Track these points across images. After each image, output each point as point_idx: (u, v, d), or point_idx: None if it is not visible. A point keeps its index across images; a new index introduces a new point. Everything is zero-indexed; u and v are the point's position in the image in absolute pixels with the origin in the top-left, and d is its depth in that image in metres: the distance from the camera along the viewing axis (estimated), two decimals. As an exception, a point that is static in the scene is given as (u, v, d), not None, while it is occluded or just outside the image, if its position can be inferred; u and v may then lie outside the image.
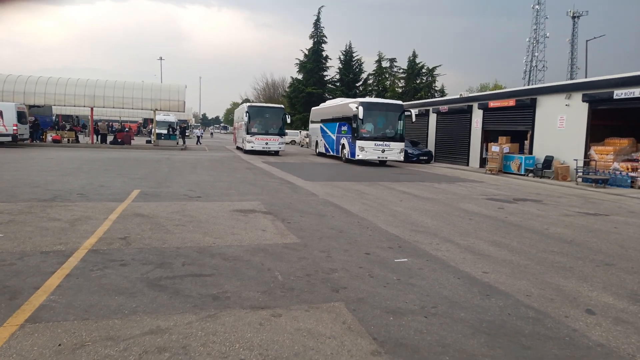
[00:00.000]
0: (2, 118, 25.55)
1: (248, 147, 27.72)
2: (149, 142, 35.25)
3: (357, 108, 22.12)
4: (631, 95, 16.16)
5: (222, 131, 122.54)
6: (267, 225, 7.51)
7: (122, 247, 5.79)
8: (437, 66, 51.80)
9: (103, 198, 9.56)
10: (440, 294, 4.59)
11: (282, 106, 31.35)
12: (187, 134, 48.07)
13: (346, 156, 24.12)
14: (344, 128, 24.54)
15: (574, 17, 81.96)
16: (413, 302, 4.32)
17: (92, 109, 31.64)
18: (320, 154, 30.09)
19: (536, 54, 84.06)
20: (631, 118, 18.77)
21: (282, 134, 28.65)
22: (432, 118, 29.83)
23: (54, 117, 44.29)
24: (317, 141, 30.82)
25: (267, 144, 27.78)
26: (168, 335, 3.43)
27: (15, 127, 25.89)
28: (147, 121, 60.28)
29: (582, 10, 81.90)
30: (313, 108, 34.13)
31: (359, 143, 22.41)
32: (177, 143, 34.17)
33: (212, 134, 78.05)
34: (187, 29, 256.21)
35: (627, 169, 16.48)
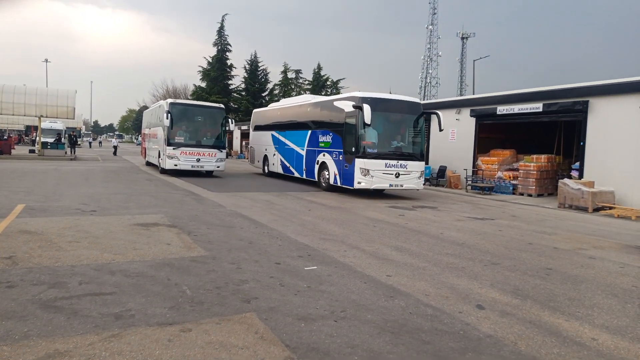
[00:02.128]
0: None
1: (169, 164, 19.01)
2: (32, 151, 32.02)
3: (356, 108, 13.94)
4: (511, 111, 18.14)
5: (119, 140, 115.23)
6: (172, 239, 7.24)
7: (7, 268, 5.23)
8: (341, 79, 53.72)
9: (-20, 214, 8.52)
10: (349, 298, 4.79)
11: (222, 105, 21.26)
12: (78, 143, 44.47)
13: (329, 182, 15.76)
14: (325, 139, 16.25)
15: (463, 38, 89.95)
16: (323, 308, 4.46)
17: (-37, 114, 28.05)
18: (271, 174, 21.49)
19: (430, 71, 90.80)
20: (512, 131, 21.09)
21: (220, 146, 20.05)
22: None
23: None
24: (265, 156, 22.08)
25: (198, 160, 19.23)
26: (68, 358, 3.18)
27: None
28: (31, 128, 54.84)
29: (470, 32, 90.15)
30: (256, 110, 25.36)
31: (360, 163, 13.96)
32: (66, 153, 31.45)
33: (100, 142, 72.51)
34: (78, 30, 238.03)
35: (510, 177, 18.39)
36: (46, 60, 67.42)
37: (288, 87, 53.96)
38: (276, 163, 20.60)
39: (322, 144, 16.48)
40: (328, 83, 52.42)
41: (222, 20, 51.02)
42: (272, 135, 21.05)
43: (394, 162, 14.32)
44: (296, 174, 18.59)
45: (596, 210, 13.72)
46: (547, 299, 5.13)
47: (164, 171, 19.76)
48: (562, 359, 3.60)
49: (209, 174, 20.37)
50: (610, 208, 13.54)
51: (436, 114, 15.24)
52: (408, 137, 15.06)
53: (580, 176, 15.62)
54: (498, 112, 18.70)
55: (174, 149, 18.92)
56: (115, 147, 40.17)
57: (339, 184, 15.15)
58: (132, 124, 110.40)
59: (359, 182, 14.08)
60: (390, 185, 14.38)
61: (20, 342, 3.39)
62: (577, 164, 16.28)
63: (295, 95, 51.49)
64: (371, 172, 14.00)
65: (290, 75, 54.57)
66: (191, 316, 4.09)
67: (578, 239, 8.99)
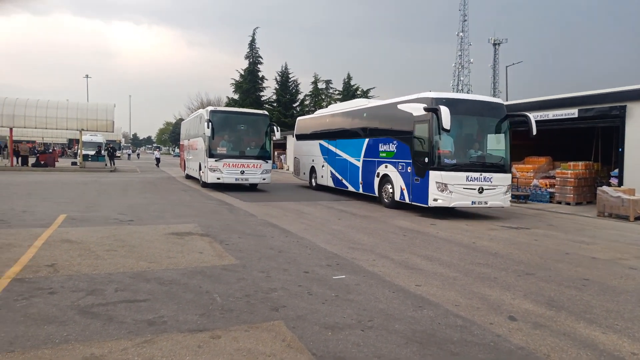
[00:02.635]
0: None
1: (212, 178, 17.29)
2: (74, 164, 33.40)
3: (429, 111, 11.85)
4: (546, 117, 17.67)
5: (160, 152, 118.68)
6: (205, 248, 7.41)
7: (49, 275, 5.49)
8: (372, 88, 53.71)
9: (27, 224, 8.97)
10: (377, 308, 4.77)
11: (266, 112, 19.44)
12: (117, 155, 46.08)
13: (394, 197, 13.55)
14: (387, 147, 14.04)
15: (494, 44, 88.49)
16: (350, 317, 4.46)
17: (11, 129, 29.58)
18: (319, 187, 19.51)
19: (462, 78, 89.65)
20: (547, 138, 20.49)
21: (266, 156, 18.12)
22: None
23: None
24: (312, 167, 20.12)
25: (242, 172, 17.41)
26: (102, 363, 3.32)
27: None
28: (73, 142, 57.25)
29: (502, 38, 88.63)
30: (301, 118, 23.25)
31: (436, 176, 11.70)
32: (106, 165, 32.64)
33: (138, 154, 75.39)
34: (116, 46, 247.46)
35: (546, 185, 17.87)
36: (87, 76, 70.28)
37: (318, 97, 54.34)
38: (325, 175, 18.63)
39: (384, 154, 14.26)
40: (358, 92, 52.47)
41: (254, 34, 52.08)
42: (320, 144, 19.08)
43: (476, 174, 11.88)
44: (350, 188, 16.61)
45: (637, 218, 13.14)
46: (583, 310, 4.97)
47: (205, 185, 18.32)
48: (598, 373, 3.48)
49: (252, 187, 18.83)
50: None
51: (526, 116, 12.86)
52: (490, 145, 12.75)
53: (620, 183, 15.01)
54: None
55: (216, 160, 17.12)
56: (157, 159, 41.18)
57: (406, 200, 12.87)
58: (169, 136, 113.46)
59: (435, 199, 11.75)
60: (473, 202, 11.89)
61: (60, 346, 3.56)
62: (616, 171, 15.66)
63: (326, 105, 51.80)
64: (450, 187, 11.65)
65: (321, 85, 54.97)
66: (221, 323, 4.18)
67: (618, 249, 8.64)
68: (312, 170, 20.14)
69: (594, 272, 6.74)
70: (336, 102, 53.25)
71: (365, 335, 4.03)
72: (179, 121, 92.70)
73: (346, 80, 53.51)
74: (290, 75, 54.55)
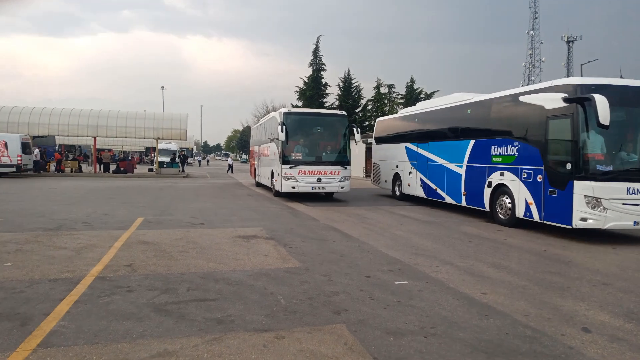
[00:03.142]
0: (6, 149, 25.92)
1: (286, 187, 15.95)
2: (151, 170, 35.57)
3: (572, 102, 9.38)
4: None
5: (224, 158, 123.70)
6: (270, 251, 7.63)
7: (127, 274, 5.92)
8: (435, 91, 52.44)
9: (108, 226, 9.71)
10: (440, 315, 4.70)
11: (344, 112, 17.47)
12: (189, 162, 48.45)
13: (515, 214, 10.91)
14: (504, 151, 11.46)
15: (568, 42, 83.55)
16: (413, 323, 4.43)
17: (95, 138, 32.09)
18: (405, 197, 17.09)
19: (532, 77, 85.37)
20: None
21: (344, 161, 16.45)
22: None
23: (56, 147, 44.81)
24: (396, 174, 17.72)
25: (319, 180, 15.91)
26: (175, 357, 3.55)
27: (19, 158, 26.23)
28: (149, 149, 61.01)
29: (576, 35, 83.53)
30: (381, 119, 20.60)
31: (583, 187, 9.08)
32: (179, 171, 34.45)
33: (208, 161, 79.60)
34: (188, 58, 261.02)
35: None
36: (162, 88, 74.62)
37: (381, 102, 53.97)
38: (414, 183, 15.98)
39: (499, 159, 11.58)
40: (422, 95, 51.56)
41: (317, 42, 52.75)
42: (407, 148, 16.53)
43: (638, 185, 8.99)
44: (448, 200, 13.90)
45: None
46: (670, 325, 4.59)
47: (278, 194, 17.00)
48: (684, 393, 3.21)
49: (328, 196, 17.67)
50: None
51: None
52: None
53: None
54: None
55: (290, 167, 15.75)
56: (230, 166, 43.03)
57: (535, 218, 10.19)
58: (237, 143, 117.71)
59: (583, 219, 8.99)
60: (636, 223, 9.07)
61: (137, 341, 3.84)
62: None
63: (388, 110, 51.43)
64: (604, 203, 8.86)
65: (383, 90, 54.54)
66: (285, 324, 4.31)
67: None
68: (396, 177, 17.73)
69: (684, 284, 6.18)
70: (399, 107, 52.75)
71: (428, 342, 3.99)
72: (247, 129, 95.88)
73: (409, 84, 52.75)
74: (352, 81, 54.68)
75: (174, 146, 48.81)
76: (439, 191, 14.49)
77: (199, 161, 69.57)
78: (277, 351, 3.72)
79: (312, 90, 51.90)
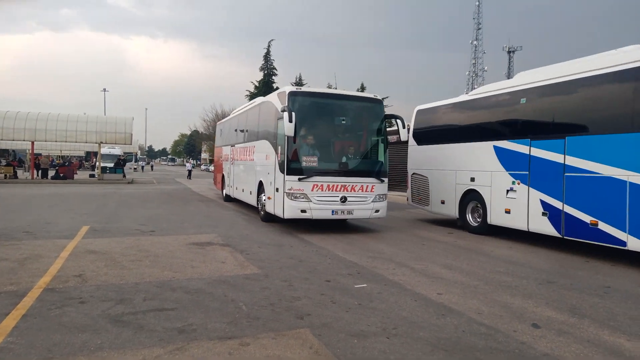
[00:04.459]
0: None
1: (292, 209, 10.13)
2: (92, 176, 34.00)
3: None
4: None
5: (170, 163, 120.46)
6: (226, 257, 7.53)
7: (78, 285, 5.65)
8: (385, 97, 53.82)
9: (52, 235, 9.20)
10: (400, 316, 4.83)
11: (378, 96, 11.24)
12: (135, 167, 46.74)
13: None
14: None
15: (509, 52, 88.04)
16: (375, 325, 4.53)
17: (32, 143, 30.30)
18: (491, 229, 10.63)
19: (475, 86, 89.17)
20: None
21: (380, 171, 10.74)
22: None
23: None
24: (470, 192, 11.21)
25: (344, 200, 10.24)
26: (138, 369, 3.43)
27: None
28: (90, 154, 58.25)
29: (516, 45, 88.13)
30: (423, 108, 13.67)
31: None
32: (124, 176, 33.15)
33: (152, 166, 76.62)
34: (132, 60, 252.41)
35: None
36: (104, 90, 71.48)
37: (332, 107, 54.63)
38: (521, 209, 9.56)
39: None
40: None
41: (269, 46, 52.74)
42: (499, 149, 10.17)
43: None
44: (629, 240, 7.44)
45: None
46: (607, 318, 4.96)
47: (271, 218, 11.44)
48: (625, 380, 3.49)
49: (339, 223, 11.81)
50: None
51: None
52: None
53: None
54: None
55: (300, 180, 9.91)
56: (189, 171, 41.82)
57: None
58: (184, 147, 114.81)
59: None
60: None
61: (95, 354, 3.68)
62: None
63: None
64: None
65: (334, 95, 55.27)
66: (249, 331, 4.28)
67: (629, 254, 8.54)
68: (471, 196, 11.13)
69: (616, 280, 6.70)
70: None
71: (390, 342, 4.09)
72: (194, 133, 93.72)
73: (360, 90, 53.75)
74: (304, 86, 55.00)
75: (117, 151, 46.89)
76: (606, 228, 7.83)
77: (142, 166, 66.61)
78: (243, 357, 3.69)
79: (264, 95, 51.68)
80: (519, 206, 9.64)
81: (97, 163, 34.17)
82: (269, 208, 11.33)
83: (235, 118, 17.19)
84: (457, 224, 11.88)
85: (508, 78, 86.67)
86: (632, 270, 7.34)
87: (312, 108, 10.52)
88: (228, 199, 17.58)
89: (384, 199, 10.64)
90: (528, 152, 9.49)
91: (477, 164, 10.92)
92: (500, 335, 4.35)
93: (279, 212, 10.51)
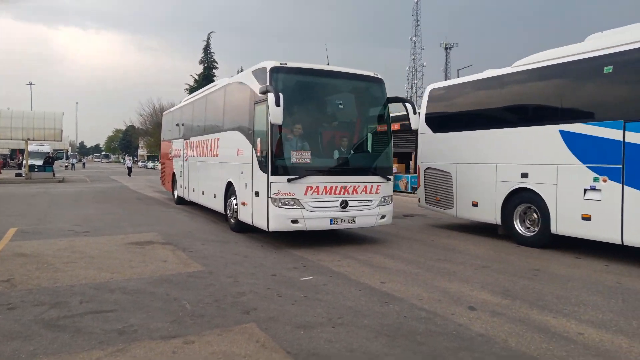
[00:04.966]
0: None
1: (279, 220, 7.81)
2: (19, 175, 31.76)
3: None
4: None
5: (104, 160, 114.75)
6: (168, 256, 7.33)
7: (6, 290, 5.29)
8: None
9: (-27, 239, 8.53)
10: (345, 306, 4.93)
11: (378, 75, 8.88)
12: (66, 166, 44.15)
13: None
14: None
15: (446, 49, 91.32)
16: (321, 316, 4.59)
17: (-52, 140, 27.83)
18: (555, 239, 8.15)
19: (415, 81, 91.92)
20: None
21: (386, 169, 8.73)
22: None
23: None
24: (519, 192, 8.59)
25: (344, 205, 8.06)
26: (75, 374, 3.28)
27: None
28: (16, 152, 54.34)
29: (453, 42, 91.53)
30: (443, 85, 11.43)
31: None
32: (54, 175, 31.24)
33: (84, 164, 72.03)
34: (61, 51, 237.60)
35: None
36: (30, 83, 66.79)
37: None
38: (604, 215, 7.23)
39: None
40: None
41: (208, 39, 51.45)
42: (567, 134, 7.79)
43: None
44: None
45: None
46: (536, 298, 5.32)
47: (243, 228, 9.30)
48: (551, 353, 3.77)
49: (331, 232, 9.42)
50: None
51: None
52: None
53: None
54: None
55: (290, 181, 7.76)
56: (129, 168, 39.35)
57: None
58: (119, 143, 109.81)
59: None
60: None
61: (27, 360, 3.48)
62: None
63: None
64: None
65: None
66: (193, 329, 4.20)
67: (565, 241, 9.21)
68: (520, 198, 8.63)
69: (544, 263, 7.20)
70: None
71: (336, 331, 4.17)
72: (130, 128, 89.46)
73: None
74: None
75: (46, 148, 44.09)
76: None
77: (73, 164, 62.30)
78: (188, 356, 3.63)
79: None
80: (606, 211, 7.19)
81: (24, 161, 31.94)
82: (244, 216, 8.94)
83: (190, 105, 14.48)
84: (498, 232, 9.26)
85: (446, 74, 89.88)
86: (559, 254, 7.90)
87: (301, 88, 8.40)
88: (181, 201, 14.92)
89: (390, 201, 8.69)
90: (621, 139, 7.02)
91: (531, 155, 8.31)
92: (439, 319, 4.56)
93: (260, 223, 8.19)
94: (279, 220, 7.82)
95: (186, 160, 14.12)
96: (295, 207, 7.79)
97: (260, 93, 7.92)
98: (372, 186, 8.39)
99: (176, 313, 4.63)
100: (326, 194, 8.00)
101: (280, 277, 6.12)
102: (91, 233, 9.40)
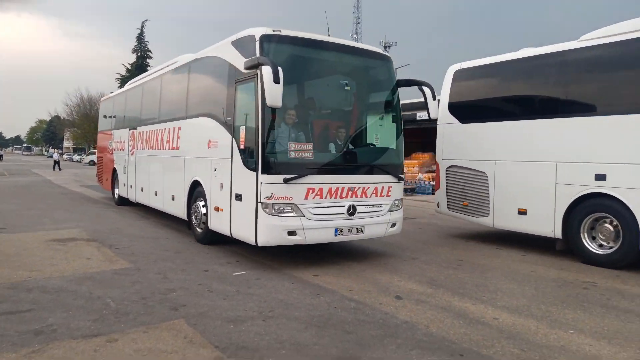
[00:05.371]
0: None
1: (273, 231, 6.07)
2: None
3: None
4: (424, 117, 19.23)
5: (25, 152, 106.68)
6: (93, 253, 6.99)
7: None
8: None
9: None
10: (277, 299, 4.96)
11: (386, 53, 7.89)
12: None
13: None
14: None
15: (385, 47, 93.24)
16: (252, 310, 4.59)
17: None
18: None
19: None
20: (430, 136, 22.26)
21: (397, 166, 7.19)
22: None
23: None
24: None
25: (352, 212, 6.46)
26: (-17, 379, 3.07)
27: None
28: None
29: (392, 41, 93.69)
30: (463, 68, 9.12)
31: None
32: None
33: (1, 156, 66.14)
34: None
35: (429, 178, 19.53)
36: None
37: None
38: None
39: None
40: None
41: (142, 27, 49.43)
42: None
43: None
44: None
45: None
46: (458, 286, 5.64)
47: (215, 239, 7.61)
48: (468, 337, 4.02)
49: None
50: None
51: None
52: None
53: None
54: (417, 118, 19.76)
55: (287, 181, 6.05)
56: (56, 162, 36.22)
57: None
58: (43, 135, 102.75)
59: None
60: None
61: None
62: None
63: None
64: None
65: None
66: (117, 327, 4.05)
67: (484, 232, 9.81)
68: (591, 206, 6.96)
69: (468, 254, 7.63)
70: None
71: (266, 324, 4.19)
72: (55, 119, 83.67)
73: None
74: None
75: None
76: None
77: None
78: (111, 354, 3.50)
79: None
80: None
81: None
82: (219, 225, 7.17)
83: (137, 89, 12.20)
84: (557, 248, 7.52)
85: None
86: (482, 246, 8.39)
87: (299, 65, 6.75)
88: (124, 202, 12.82)
89: (400, 206, 7.27)
90: None
91: (612, 152, 6.65)
92: (367, 309, 4.71)
93: (243, 235, 6.54)
94: (271, 232, 6.08)
95: (132, 154, 11.95)
96: (292, 214, 6.09)
97: (246, 69, 6.24)
98: (382, 187, 6.86)
99: (99, 311, 4.44)
100: (331, 197, 6.37)
101: (213, 272, 6.04)
102: (7, 230, 8.76)
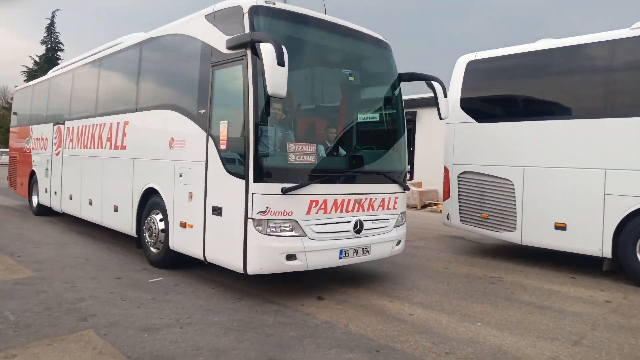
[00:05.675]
0: None
1: (268, 254, 4.76)
2: None
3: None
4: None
5: None
6: (-9, 262, 6.38)
7: None
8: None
9: None
10: (196, 305, 4.82)
11: (386, 40, 6.17)
12: None
13: None
14: None
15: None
16: (168, 317, 4.42)
17: None
18: None
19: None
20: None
21: (401, 173, 6.13)
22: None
23: None
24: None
25: (359, 228, 5.37)
26: None
27: None
28: None
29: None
30: (478, 59, 7.86)
31: None
32: None
33: None
34: None
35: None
36: None
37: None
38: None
39: None
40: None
41: (53, 17, 45.87)
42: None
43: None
44: None
45: (424, 207, 15.74)
46: (377, 284, 5.83)
47: (173, 261, 6.24)
48: (384, 334, 4.17)
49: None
50: (435, 204, 15.65)
51: None
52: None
53: (411, 178, 17.76)
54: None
55: (285, 192, 4.77)
56: None
57: None
58: None
59: None
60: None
61: None
62: (409, 167, 18.49)
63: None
64: None
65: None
66: (15, 341, 3.72)
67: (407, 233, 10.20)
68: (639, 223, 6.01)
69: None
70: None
71: (183, 332, 4.06)
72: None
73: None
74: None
75: None
76: None
77: None
78: (7, 373, 3.21)
79: (46, 73, 44.87)
80: None
81: None
82: (186, 245, 5.79)
83: (66, 75, 10.15)
84: (604, 269, 6.50)
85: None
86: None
87: (297, 46, 5.33)
88: (45, 212, 10.78)
89: (404, 219, 6.26)
90: None
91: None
92: (289, 310, 4.72)
93: (226, 259, 5.18)
94: (266, 257, 4.79)
95: (58, 154, 10.00)
96: (293, 233, 4.88)
97: (230, 48, 5.00)
98: (389, 198, 5.82)
99: (-4, 326, 4.05)
100: (336, 211, 5.22)
101: (127, 279, 5.74)
102: None
